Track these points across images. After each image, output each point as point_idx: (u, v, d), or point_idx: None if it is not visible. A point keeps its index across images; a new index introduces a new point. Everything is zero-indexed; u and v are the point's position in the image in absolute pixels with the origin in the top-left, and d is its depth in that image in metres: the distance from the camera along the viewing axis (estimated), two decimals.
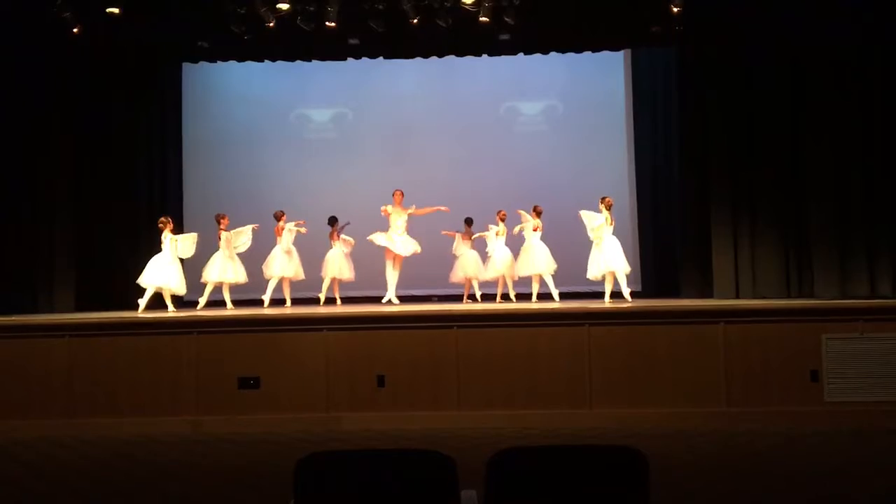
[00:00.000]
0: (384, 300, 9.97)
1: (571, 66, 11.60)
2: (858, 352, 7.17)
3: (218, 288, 9.72)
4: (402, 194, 10.07)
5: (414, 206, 10.10)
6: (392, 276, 10.06)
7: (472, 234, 10.37)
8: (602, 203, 9.23)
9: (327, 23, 9.34)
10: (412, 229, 10.13)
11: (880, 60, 8.71)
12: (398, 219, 9.99)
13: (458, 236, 10.39)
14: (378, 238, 10.00)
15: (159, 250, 9.21)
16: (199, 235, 9.55)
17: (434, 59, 10.76)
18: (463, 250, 10.33)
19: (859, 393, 7.14)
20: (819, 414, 7.10)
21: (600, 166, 11.63)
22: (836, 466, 5.76)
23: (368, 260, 10.28)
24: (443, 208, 10.20)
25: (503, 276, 10.08)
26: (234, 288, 9.86)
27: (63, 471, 6.02)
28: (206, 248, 9.81)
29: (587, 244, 9.36)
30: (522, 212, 9.93)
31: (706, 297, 9.49)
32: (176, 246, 9.17)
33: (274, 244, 10.08)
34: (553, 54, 10.82)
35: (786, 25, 9.11)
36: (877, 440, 6.58)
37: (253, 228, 9.89)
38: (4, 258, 9.52)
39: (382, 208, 9.97)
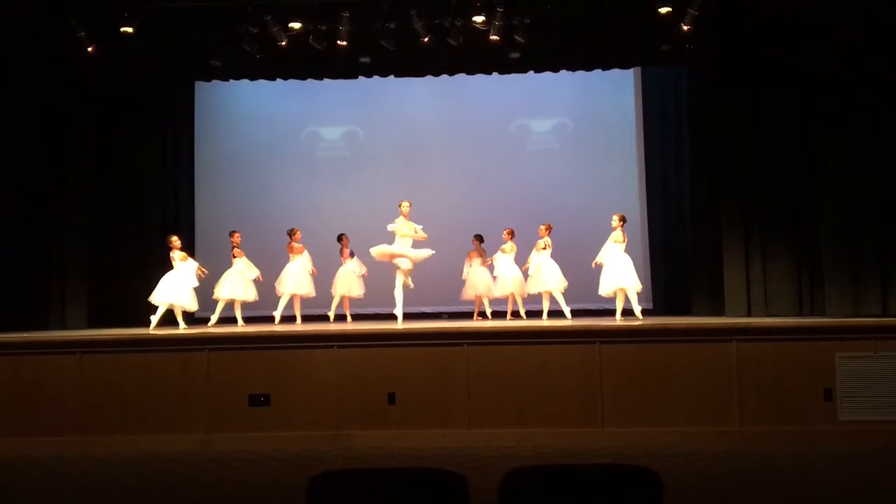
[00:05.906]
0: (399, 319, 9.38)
1: (582, 84, 11.60)
2: (872, 371, 7.10)
3: (229, 305, 9.75)
4: (411, 204, 9.59)
5: (420, 228, 9.49)
6: (400, 293, 9.41)
7: (483, 250, 10.38)
8: (617, 218, 9.20)
9: (339, 42, 9.41)
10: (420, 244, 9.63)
11: (891, 78, 8.68)
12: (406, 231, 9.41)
13: (470, 253, 10.40)
14: (385, 248, 9.34)
15: (171, 268, 9.26)
16: (204, 260, 9.71)
17: (445, 77, 10.78)
18: (473, 266, 10.33)
19: (874, 412, 7.06)
20: (833, 434, 7.04)
21: (611, 184, 11.59)
22: (851, 488, 5.69)
23: (379, 277, 10.27)
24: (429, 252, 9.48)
25: (513, 294, 10.07)
26: (245, 304, 9.88)
27: (72, 488, 6.02)
28: (219, 265, 9.86)
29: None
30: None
31: (718, 315, 9.44)
32: (188, 264, 9.26)
33: (287, 261, 10.11)
34: (563, 72, 10.84)
35: (795, 43, 9.11)
36: (892, 461, 6.50)
37: (257, 278, 9.81)
38: (17, 275, 9.58)
39: (391, 228, 9.42)
